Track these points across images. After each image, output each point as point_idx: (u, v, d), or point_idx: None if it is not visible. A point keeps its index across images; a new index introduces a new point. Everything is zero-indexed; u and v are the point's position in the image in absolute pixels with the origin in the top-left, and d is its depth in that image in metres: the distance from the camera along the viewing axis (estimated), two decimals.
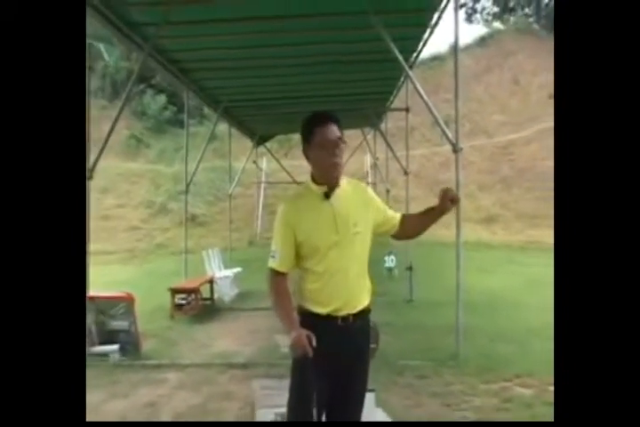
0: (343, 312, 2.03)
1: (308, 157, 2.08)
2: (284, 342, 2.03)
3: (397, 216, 2.23)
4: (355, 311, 2.05)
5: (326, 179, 2.06)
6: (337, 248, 2.01)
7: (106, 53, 4.39)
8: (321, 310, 2.03)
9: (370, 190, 2.21)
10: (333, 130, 2.04)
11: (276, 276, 2.06)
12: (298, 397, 2.03)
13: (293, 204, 2.09)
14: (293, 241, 2.02)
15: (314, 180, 2.07)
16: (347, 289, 2.04)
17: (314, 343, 1.87)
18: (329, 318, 2.03)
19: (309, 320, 2.02)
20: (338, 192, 2.06)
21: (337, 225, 2.02)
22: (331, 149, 2.01)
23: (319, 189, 2.05)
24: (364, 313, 2.10)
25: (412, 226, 2.24)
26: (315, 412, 1.98)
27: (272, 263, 2.05)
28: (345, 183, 2.11)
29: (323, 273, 2.02)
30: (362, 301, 2.09)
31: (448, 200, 2.11)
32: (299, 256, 2.06)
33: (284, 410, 2.14)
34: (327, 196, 2.04)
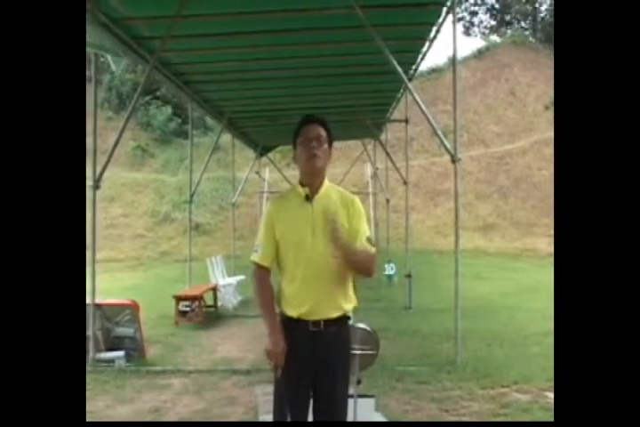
0: (314, 317, 2.04)
1: (295, 160, 2.17)
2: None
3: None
4: (327, 317, 2.05)
5: (307, 173, 2.12)
6: (311, 250, 2.04)
7: (113, 64, 4.53)
8: (293, 312, 2.07)
9: (358, 207, 2.13)
10: (315, 129, 2.11)
11: (259, 270, 2.13)
12: (277, 403, 2.09)
13: (278, 202, 2.20)
14: (273, 237, 2.11)
15: (300, 182, 2.16)
16: (318, 293, 2.04)
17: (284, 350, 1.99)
18: (300, 322, 2.05)
19: (285, 323, 2.09)
20: (320, 196, 2.12)
21: (314, 227, 2.05)
22: (309, 142, 2.07)
23: (303, 191, 2.13)
24: (340, 320, 2.09)
25: None
26: (291, 416, 2.02)
27: (254, 257, 2.14)
28: (332, 190, 2.16)
29: (296, 274, 2.07)
30: (336, 308, 2.07)
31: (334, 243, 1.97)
32: (278, 254, 2.12)
33: None
34: (308, 198, 2.10)
